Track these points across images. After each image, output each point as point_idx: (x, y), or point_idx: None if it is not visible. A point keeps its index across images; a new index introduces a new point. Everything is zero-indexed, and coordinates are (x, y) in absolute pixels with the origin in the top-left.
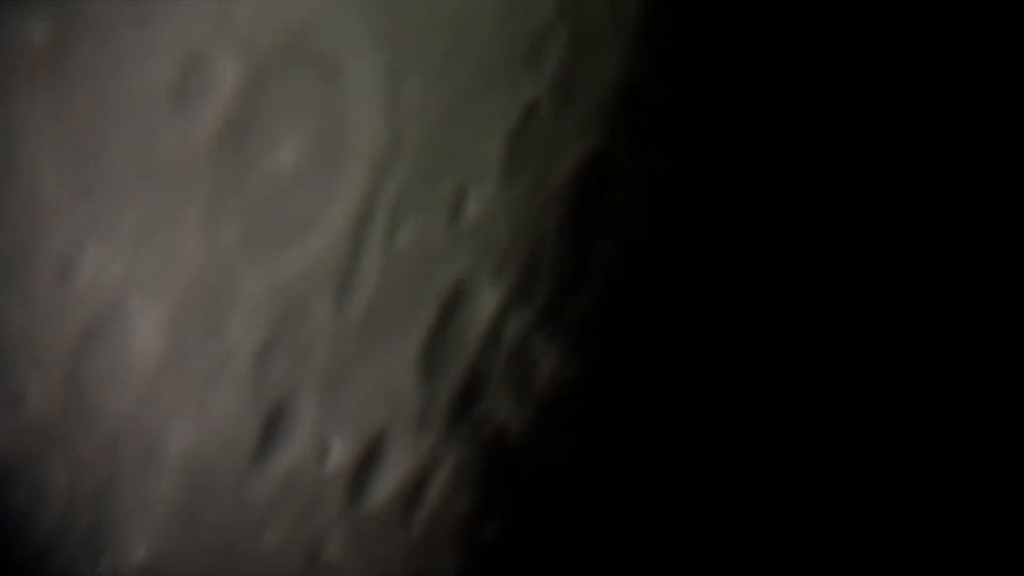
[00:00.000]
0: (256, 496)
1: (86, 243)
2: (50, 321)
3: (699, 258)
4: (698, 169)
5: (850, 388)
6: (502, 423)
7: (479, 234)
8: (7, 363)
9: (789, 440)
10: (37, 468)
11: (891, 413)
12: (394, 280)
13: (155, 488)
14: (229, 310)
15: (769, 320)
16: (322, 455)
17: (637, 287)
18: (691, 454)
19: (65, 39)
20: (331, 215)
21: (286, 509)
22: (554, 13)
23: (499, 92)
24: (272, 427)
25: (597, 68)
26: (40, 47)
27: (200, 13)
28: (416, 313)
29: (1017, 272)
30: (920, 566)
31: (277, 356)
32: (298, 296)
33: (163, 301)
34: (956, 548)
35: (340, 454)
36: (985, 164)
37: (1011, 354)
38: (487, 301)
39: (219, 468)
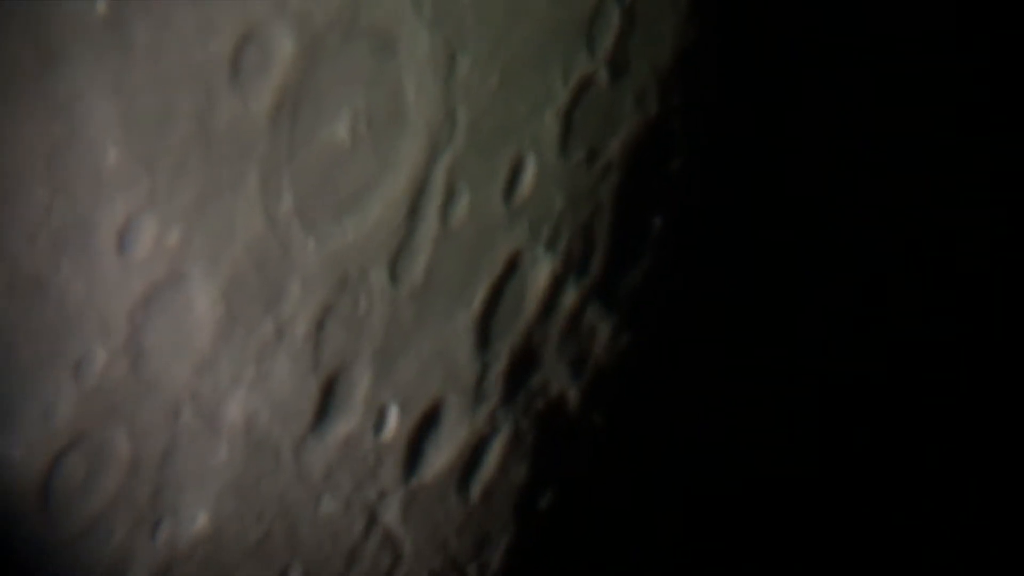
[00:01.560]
0: (314, 464)
1: (146, 213)
2: (111, 290)
3: (751, 231)
4: (752, 142)
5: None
6: (558, 393)
7: (534, 206)
8: (69, 332)
9: (833, 413)
10: (99, 436)
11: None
12: (450, 250)
13: (214, 455)
14: (286, 279)
15: (818, 295)
16: (379, 423)
17: (690, 259)
18: (740, 423)
19: (125, 13)
20: (387, 186)
21: (343, 477)
22: None
23: (554, 65)
24: (329, 395)
25: (652, 41)
26: (101, 21)
27: None
28: (472, 283)
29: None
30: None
31: (333, 325)
32: (354, 266)
33: (221, 270)
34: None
35: (396, 423)
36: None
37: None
38: (542, 272)
39: (277, 436)
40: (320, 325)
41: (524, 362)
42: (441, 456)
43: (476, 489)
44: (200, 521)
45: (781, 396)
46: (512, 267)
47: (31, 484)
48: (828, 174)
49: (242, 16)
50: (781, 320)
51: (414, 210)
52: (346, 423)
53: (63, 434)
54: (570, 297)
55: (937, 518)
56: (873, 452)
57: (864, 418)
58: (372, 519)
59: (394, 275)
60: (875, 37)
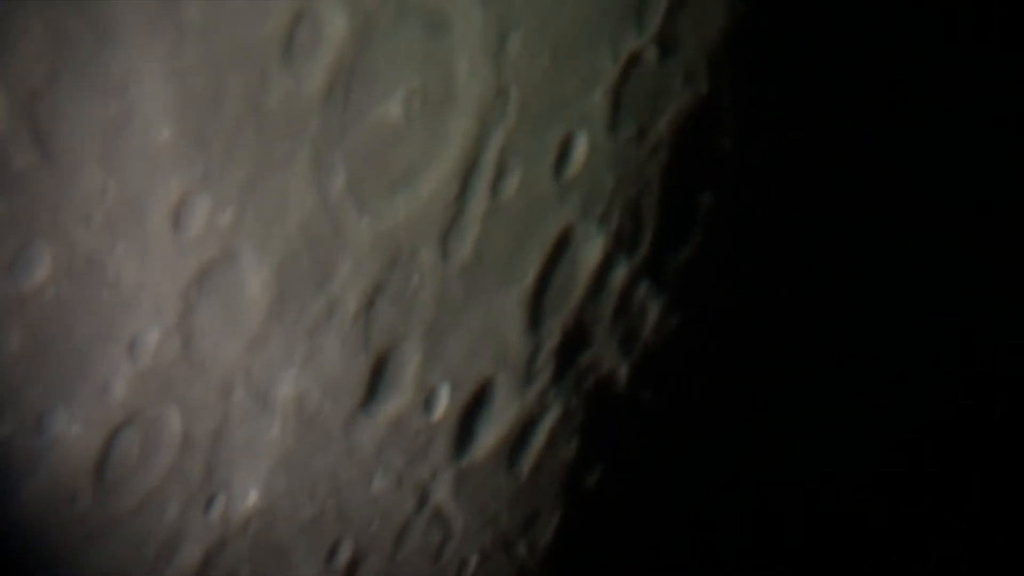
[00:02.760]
0: (364, 441)
1: (199, 193)
2: (164, 270)
3: (800, 210)
4: (800, 120)
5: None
6: (608, 371)
7: (584, 183)
8: (124, 311)
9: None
10: (153, 413)
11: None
12: (500, 228)
13: (266, 433)
14: (337, 257)
15: (868, 276)
16: (429, 401)
17: (739, 237)
18: (791, 404)
19: None
20: (438, 164)
21: (395, 455)
22: None
23: (604, 43)
24: (379, 374)
25: (701, 19)
26: (155, 1)
27: None
28: (522, 261)
29: None
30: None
31: (384, 303)
32: (405, 244)
33: (273, 249)
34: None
35: (447, 401)
36: None
37: None
38: (593, 250)
39: (328, 413)
40: (371, 303)
41: (575, 340)
42: (491, 434)
43: (526, 466)
44: (252, 498)
45: (832, 376)
46: (563, 244)
47: (87, 460)
48: (874, 152)
49: None
50: (830, 299)
51: (465, 188)
52: (396, 401)
53: (118, 411)
54: (620, 275)
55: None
56: (922, 439)
57: (910, 399)
58: (423, 497)
59: (445, 252)
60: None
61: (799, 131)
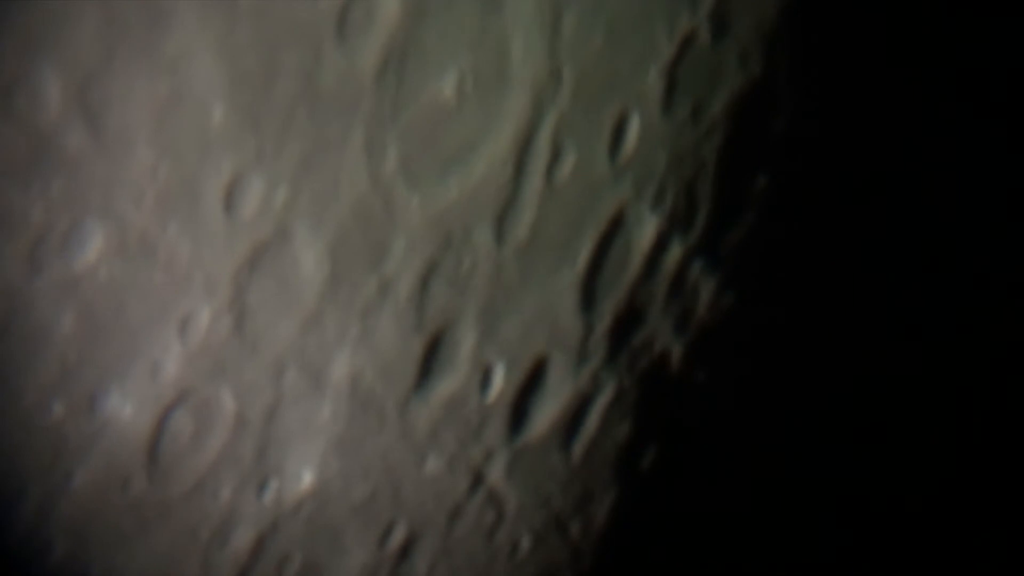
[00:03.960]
0: (418, 423)
1: (252, 171)
2: (217, 250)
3: (854, 192)
4: (855, 101)
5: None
6: (661, 351)
7: (638, 163)
8: (175, 291)
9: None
10: (204, 394)
11: None
12: (554, 208)
13: (320, 414)
14: (390, 237)
15: (922, 258)
16: (483, 382)
17: (792, 218)
18: (847, 383)
19: None
20: (491, 144)
21: (449, 435)
22: None
23: (658, 22)
24: (433, 354)
25: None
26: None
27: None
28: (576, 241)
29: None
30: None
31: (437, 284)
32: (459, 224)
33: (326, 228)
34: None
35: (501, 382)
36: None
37: None
38: (646, 230)
39: (381, 394)
40: (424, 283)
41: (628, 320)
42: (546, 415)
43: (579, 447)
44: (305, 479)
45: (885, 355)
46: (617, 225)
47: (140, 442)
48: (932, 136)
49: None
50: (883, 279)
51: (519, 168)
52: (450, 382)
53: (170, 392)
54: (674, 255)
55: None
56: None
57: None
58: (477, 478)
59: (499, 233)
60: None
61: (853, 112)
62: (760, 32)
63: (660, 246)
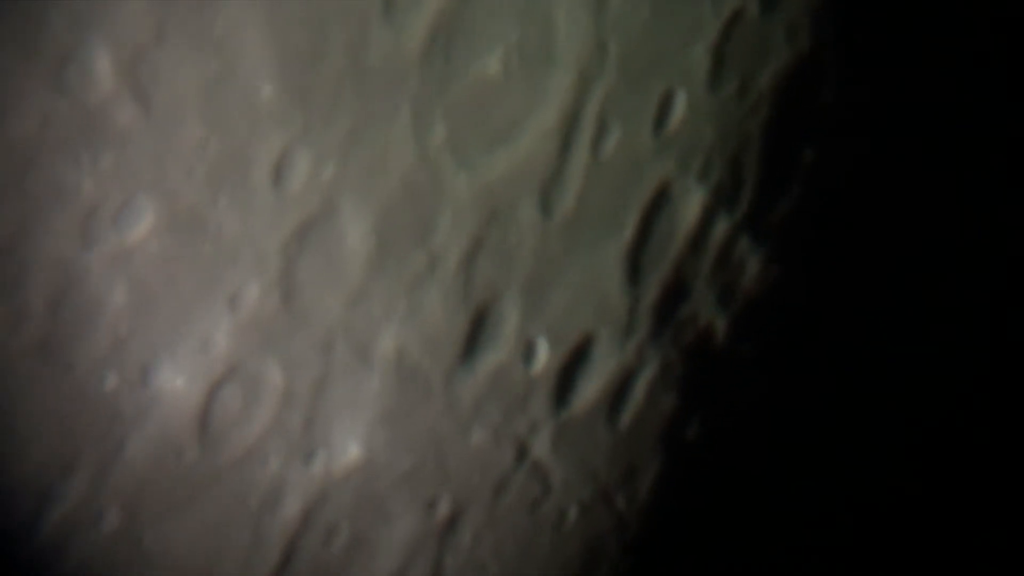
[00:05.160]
0: (464, 395)
1: (300, 147)
2: (265, 224)
3: (901, 169)
4: (903, 78)
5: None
6: (706, 325)
7: (684, 138)
8: (225, 265)
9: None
10: (253, 367)
11: None
12: (600, 183)
13: (367, 387)
14: (437, 212)
15: (968, 238)
16: (528, 356)
17: (838, 193)
18: (888, 358)
19: None
20: (538, 119)
21: (494, 408)
22: None
23: None
24: (479, 328)
25: None
26: None
27: None
28: (622, 216)
29: None
30: None
31: (484, 258)
32: (504, 199)
33: (373, 203)
34: None
35: (546, 355)
36: None
37: None
38: (692, 204)
39: (428, 367)
40: (471, 257)
41: (674, 294)
42: (590, 388)
43: (625, 420)
44: (352, 451)
45: (931, 337)
46: (662, 199)
47: (191, 413)
48: (983, 117)
49: None
50: (932, 258)
51: (565, 143)
52: (496, 355)
53: (220, 365)
54: (720, 229)
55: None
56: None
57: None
58: (522, 450)
59: (545, 208)
60: None
61: (901, 88)
62: (807, 7)
63: (706, 220)
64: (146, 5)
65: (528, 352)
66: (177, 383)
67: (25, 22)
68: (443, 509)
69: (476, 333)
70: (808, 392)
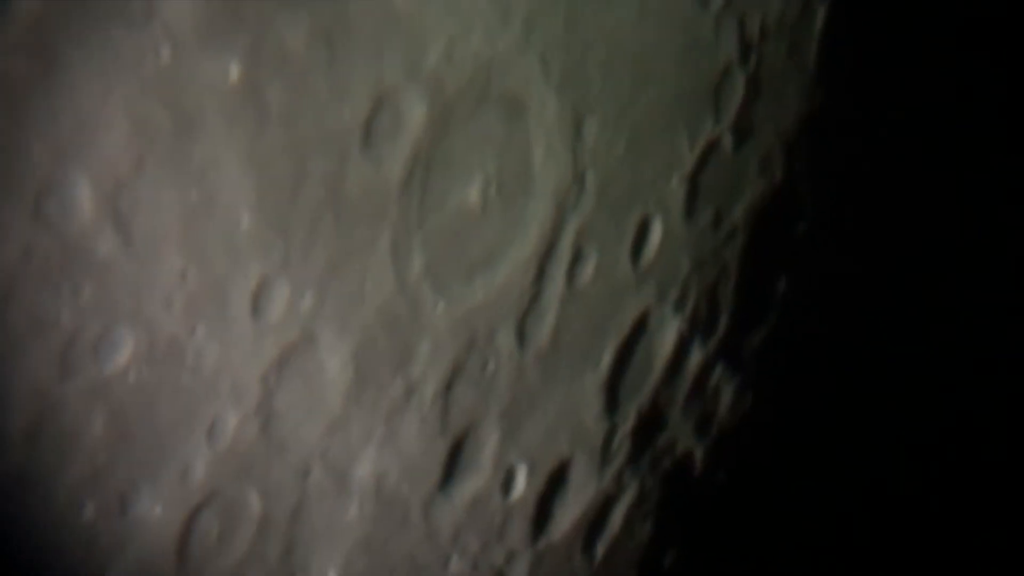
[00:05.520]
0: (442, 523)
1: (279, 278)
2: (244, 354)
3: (877, 294)
4: (876, 205)
5: None
6: (683, 454)
7: (661, 267)
8: (204, 395)
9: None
10: (232, 494)
11: None
12: (577, 312)
13: (345, 514)
14: (415, 341)
15: (944, 355)
16: (506, 483)
17: (813, 320)
18: (863, 480)
19: (259, 79)
20: (516, 249)
21: (472, 537)
22: (736, 52)
23: (681, 129)
24: (457, 455)
25: (777, 106)
26: (235, 86)
27: (391, 53)
28: (599, 345)
29: None
30: None
31: (461, 386)
32: (482, 328)
33: (352, 332)
34: None
35: (524, 482)
36: None
37: None
38: (669, 333)
39: (406, 495)
40: (449, 386)
41: (651, 422)
42: (568, 516)
43: (601, 548)
44: None
45: (908, 453)
46: (639, 328)
47: (169, 541)
48: (958, 232)
49: (375, 82)
50: (905, 379)
51: (542, 272)
52: (474, 483)
53: (198, 493)
54: (696, 358)
55: None
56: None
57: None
58: None
59: (522, 336)
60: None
61: (874, 216)
62: (781, 138)
63: (682, 349)
64: (127, 135)
65: (506, 479)
66: (156, 511)
67: (6, 153)
68: None
69: (454, 460)
70: (784, 515)
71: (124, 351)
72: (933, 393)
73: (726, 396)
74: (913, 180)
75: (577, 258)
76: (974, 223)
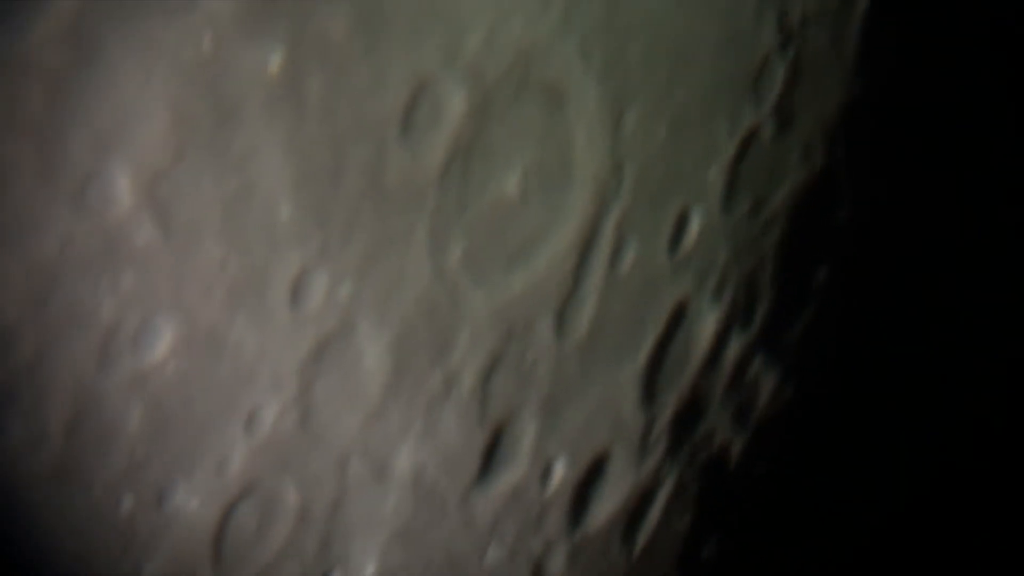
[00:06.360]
0: (480, 514)
1: (318, 268)
2: (283, 344)
3: (916, 282)
4: (917, 193)
5: None
6: (722, 444)
7: (700, 257)
8: (242, 386)
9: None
10: (270, 486)
11: None
12: (616, 302)
13: (383, 505)
14: (454, 331)
15: (987, 344)
16: (545, 474)
17: (853, 311)
18: (905, 471)
19: (299, 68)
20: (554, 239)
21: (509, 527)
22: (777, 39)
23: (721, 118)
24: (495, 446)
25: (818, 93)
26: (275, 76)
27: (430, 42)
28: (637, 335)
29: None
30: None
31: (501, 376)
32: (521, 317)
33: (390, 322)
34: None
35: (562, 474)
36: None
37: None
38: (707, 323)
39: (444, 486)
40: (487, 376)
41: (689, 413)
42: (606, 507)
43: (640, 540)
44: (368, 571)
45: (947, 444)
46: (678, 318)
47: (206, 534)
48: (998, 221)
49: (415, 71)
50: (946, 368)
51: (581, 262)
52: (512, 474)
53: (235, 485)
54: (735, 348)
55: None
56: None
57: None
58: (537, 570)
59: (560, 326)
60: None
61: (917, 205)
62: (822, 126)
63: (721, 339)
64: (167, 126)
65: (544, 471)
66: (192, 504)
67: (47, 144)
68: None
69: (492, 451)
70: (823, 510)
71: (163, 342)
72: (977, 383)
73: (765, 387)
74: (954, 170)
75: (616, 248)
76: (1017, 216)
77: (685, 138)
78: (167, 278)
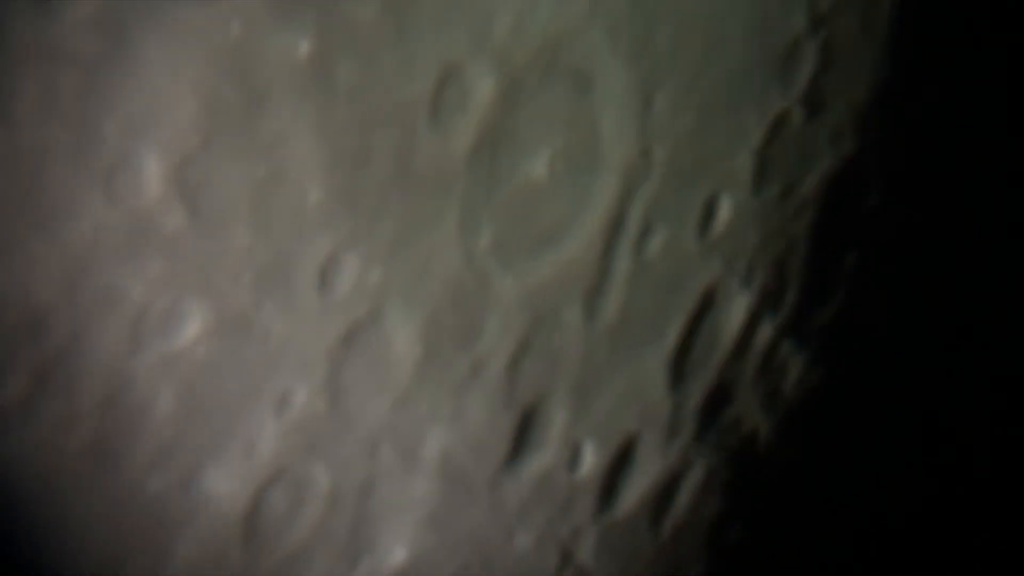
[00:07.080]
0: (509, 498)
1: (347, 251)
2: (312, 328)
3: (947, 267)
4: (948, 178)
5: None
6: (750, 429)
7: (729, 242)
8: (272, 370)
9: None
10: (300, 470)
11: None
12: (644, 287)
13: (413, 490)
14: (483, 316)
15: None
16: (573, 459)
17: (883, 296)
18: (930, 460)
19: (328, 53)
20: (583, 223)
21: (538, 512)
22: (807, 24)
23: (750, 103)
24: (524, 431)
25: (848, 78)
26: (304, 61)
27: (458, 27)
28: (666, 320)
29: None
30: None
31: (529, 361)
32: (550, 302)
33: (419, 307)
34: None
35: (591, 458)
36: None
37: None
38: (736, 308)
39: (473, 471)
40: (516, 361)
41: (718, 398)
42: (634, 492)
43: (668, 524)
44: (398, 555)
45: (976, 430)
46: (707, 303)
47: (237, 517)
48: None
49: (443, 55)
50: (976, 354)
51: (609, 247)
52: (541, 459)
53: (266, 468)
54: (764, 333)
55: None
56: None
57: None
58: (566, 555)
59: (589, 311)
60: None
61: (945, 187)
62: (851, 112)
63: (750, 324)
64: (196, 111)
65: (573, 455)
66: (222, 488)
67: (78, 130)
68: None
69: (521, 436)
70: (850, 494)
71: (192, 325)
72: (1010, 374)
73: (794, 372)
74: (986, 156)
75: (644, 233)
76: None
77: (714, 123)
78: (196, 263)
